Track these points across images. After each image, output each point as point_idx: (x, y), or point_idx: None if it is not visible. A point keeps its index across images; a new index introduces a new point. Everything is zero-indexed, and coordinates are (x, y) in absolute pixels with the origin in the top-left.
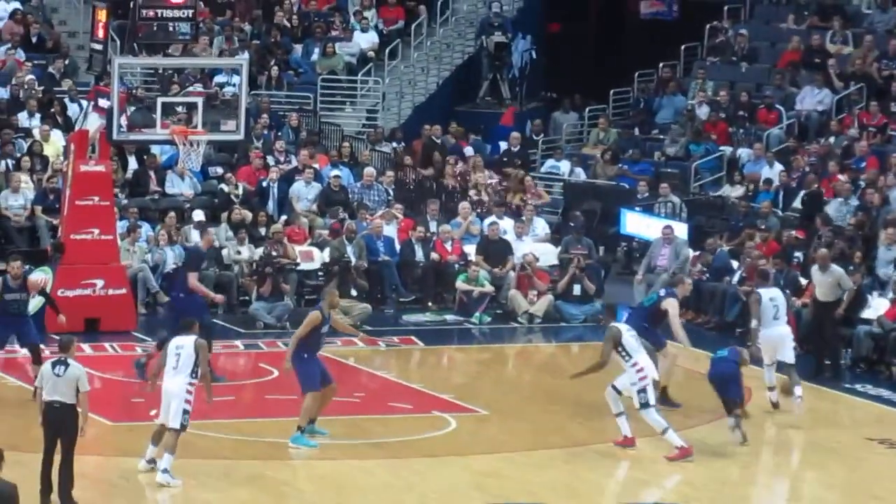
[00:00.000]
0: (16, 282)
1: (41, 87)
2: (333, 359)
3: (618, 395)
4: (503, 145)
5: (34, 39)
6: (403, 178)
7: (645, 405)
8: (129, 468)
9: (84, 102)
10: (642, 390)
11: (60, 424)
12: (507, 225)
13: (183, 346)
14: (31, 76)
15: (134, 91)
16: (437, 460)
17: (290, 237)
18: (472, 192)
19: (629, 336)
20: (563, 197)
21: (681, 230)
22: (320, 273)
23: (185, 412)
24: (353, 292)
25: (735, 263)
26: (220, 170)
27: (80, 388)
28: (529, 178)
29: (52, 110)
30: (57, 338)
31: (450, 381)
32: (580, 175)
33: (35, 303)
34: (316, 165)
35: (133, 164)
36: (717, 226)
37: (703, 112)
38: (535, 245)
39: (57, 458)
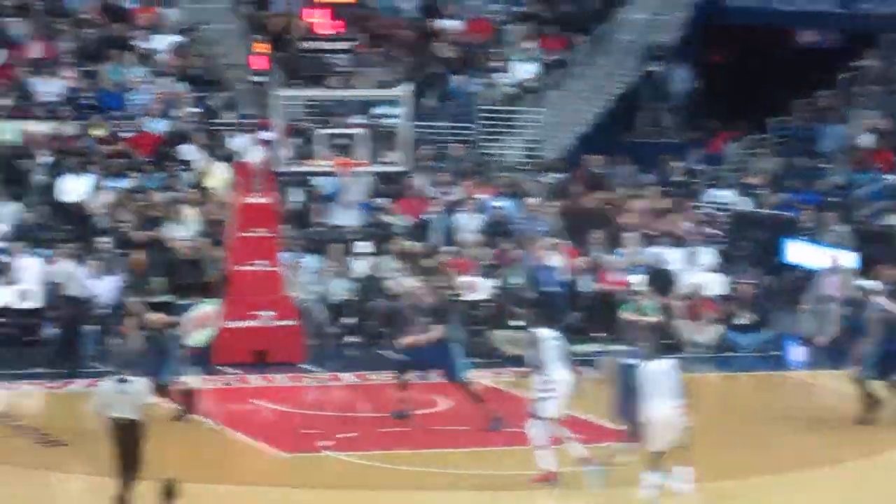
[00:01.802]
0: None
1: (204, 120)
2: (502, 389)
3: None
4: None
5: (196, 72)
6: (567, 208)
7: None
8: (298, 499)
9: (247, 135)
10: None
11: (124, 441)
12: (672, 255)
13: None
14: (193, 109)
15: (296, 123)
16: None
17: (454, 268)
18: (636, 222)
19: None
20: (729, 226)
21: (848, 259)
22: (483, 303)
23: None
24: (517, 323)
25: None
26: (383, 201)
27: (142, 403)
28: (693, 209)
29: (216, 143)
30: (225, 370)
31: None
32: (744, 204)
33: (203, 335)
34: (480, 196)
35: (297, 195)
36: (886, 255)
37: (865, 140)
38: (701, 274)
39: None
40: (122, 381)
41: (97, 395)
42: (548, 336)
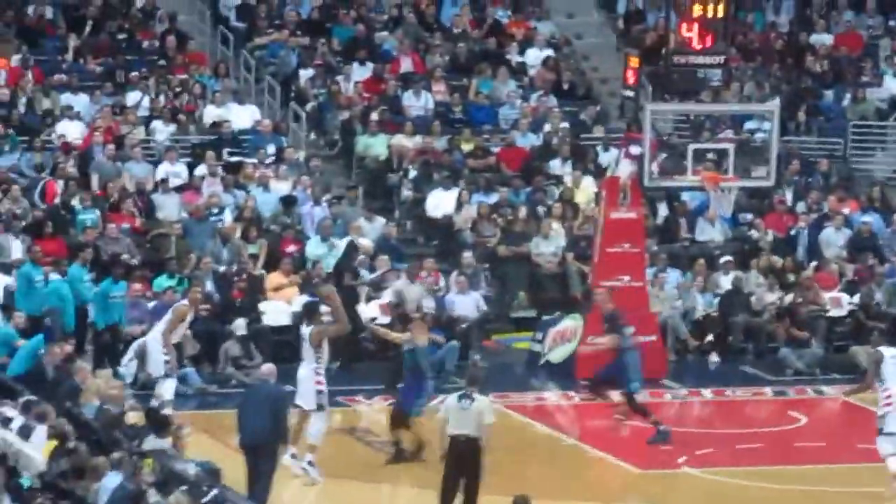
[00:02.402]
0: None
1: (573, 134)
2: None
3: None
4: None
5: (566, 86)
6: None
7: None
8: None
9: (616, 149)
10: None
11: (464, 459)
12: None
13: None
14: (563, 123)
15: (665, 137)
16: None
17: (819, 283)
18: None
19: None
20: None
21: None
22: (848, 318)
23: None
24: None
25: None
26: (749, 216)
27: (484, 422)
28: None
29: (584, 157)
30: (584, 384)
31: None
32: None
33: (564, 350)
34: (846, 211)
35: (663, 210)
36: None
37: None
38: None
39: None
40: (466, 397)
41: (442, 410)
42: (890, 354)
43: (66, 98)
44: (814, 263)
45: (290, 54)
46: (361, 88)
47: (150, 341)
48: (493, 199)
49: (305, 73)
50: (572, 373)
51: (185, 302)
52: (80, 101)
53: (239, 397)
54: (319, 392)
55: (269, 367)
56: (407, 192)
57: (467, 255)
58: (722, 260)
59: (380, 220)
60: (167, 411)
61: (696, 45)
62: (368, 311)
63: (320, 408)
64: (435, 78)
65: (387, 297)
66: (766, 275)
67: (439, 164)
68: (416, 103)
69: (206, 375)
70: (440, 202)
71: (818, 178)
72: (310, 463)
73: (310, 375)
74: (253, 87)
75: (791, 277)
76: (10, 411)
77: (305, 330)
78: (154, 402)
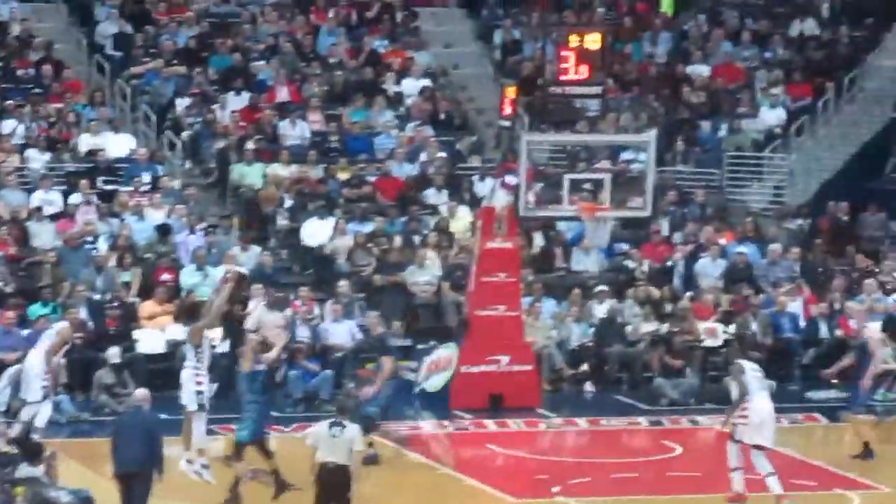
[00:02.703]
0: None
1: (449, 164)
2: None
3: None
4: None
5: (443, 116)
6: (810, 255)
7: None
8: None
9: (492, 179)
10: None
11: (334, 486)
12: None
13: None
14: (439, 153)
15: (541, 167)
16: None
17: (695, 313)
18: (877, 269)
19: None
20: None
21: None
22: (723, 348)
23: None
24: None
25: None
26: (625, 246)
27: (354, 449)
28: None
29: (460, 187)
30: (462, 415)
31: (853, 459)
32: None
33: (439, 379)
34: (722, 242)
35: (539, 240)
36: None
37: None
38: None
39: None
40: (337, 425)
41: (311, 437)
42: (749, 367)
43: None
44: (689, 294)
45: (166, 83)
46: (238, 117)
47: (28, 366)
48: (369, 228)
49: (182, 102)
50: (447, 402)
51: (66, 324)
52: None
53: (112, 425)
54: (199, 392)
55: (142, 393)
56: (283, 221)
57: (342, 284)
58: (597, 289)
59: (255, 249)
60: (36, 437)
61: (573, 76)
62: None
63: (201, 408)
64: (311, 107)
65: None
66: (642, 305)
67: (315, 194)
68: (293, 132)
69: (80, 403)
70: (316, 231)
71: (694, 209)
72: (203, 465)
73: (190, 376)
74: (129, 115)
75: (668, 307)
76: None
77: (184, 329)
78: (16, 428)
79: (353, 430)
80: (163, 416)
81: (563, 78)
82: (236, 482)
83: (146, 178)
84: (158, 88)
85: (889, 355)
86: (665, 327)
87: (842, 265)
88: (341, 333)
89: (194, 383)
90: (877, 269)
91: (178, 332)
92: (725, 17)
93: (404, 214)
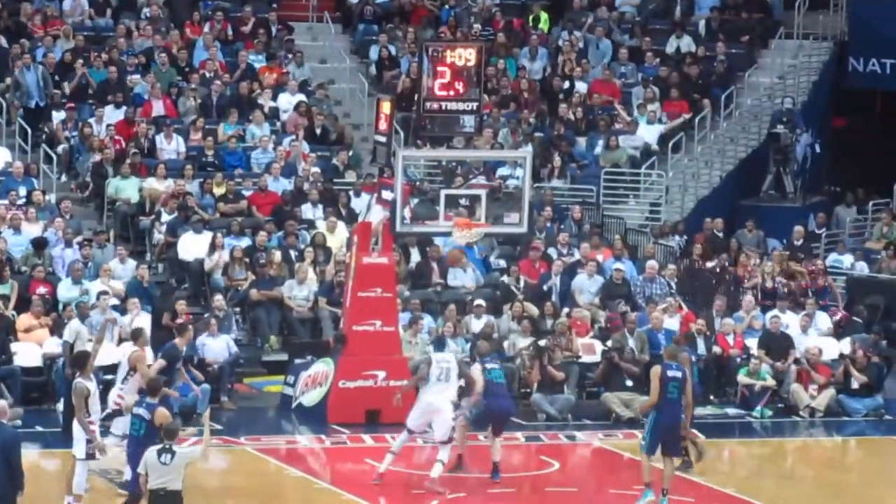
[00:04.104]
0: None
1: (325, 179)
2: (614, 451)
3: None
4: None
5: (318, 131)
6: (686, 272)
7: None
8: None
9: (367, 195)
10: None
11: None
12: (789, 319)
13: None
14: (315, 168)
15: (417, 183)
16: None
17: (572, 329)
18: (754, 285)
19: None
20: (847, 291)
21: None
22: (598, 365)
23: None
24: (629, 383)
25: None
26: (502, 262)
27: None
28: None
29: (336, 202)
30: (339, 429)
31: (732, 474)
32: (863, 269)
33: (316, 394)
34: (599, 258)
35: (416, 255)
36: None
37: None
38: (818, 339)
39: None
40: (166, 452)
41: (141, 466)
42: (436, 359)
43: None
44: (566, 310)
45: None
46: (114, 131)
47: None
48: (245, 242)
49: (58, 116)
50: (324, 417)
51: None
52: None
53: None
54: (88, 441)
55: (1, 405)
56: (159, 235)
57: (218, 298)
58: (474, 303)
59: (132, 263)
60: None
61: (449, 92)
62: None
63: (89, 457)
64: (187, 122)
65: None
66: (520, 320)
67: (191, 208)
68: (168, 147)
69: None
70: (192, 245)
71: (571, 225)
72: None
73: (82, 425)
74: (4, 129)
75: (548, 323)
76: None
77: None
78: None
79: (182, 454)
80: (38, 428)
81: (438, 93)
82: None
83: (22, 191)
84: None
85: (766, 372)
86: (543, 342)
87: (718, 282)
88: (218, 348)
89: (86, 432)
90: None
91: (54, 345)
92: (600, 33)
93: (280, 229)
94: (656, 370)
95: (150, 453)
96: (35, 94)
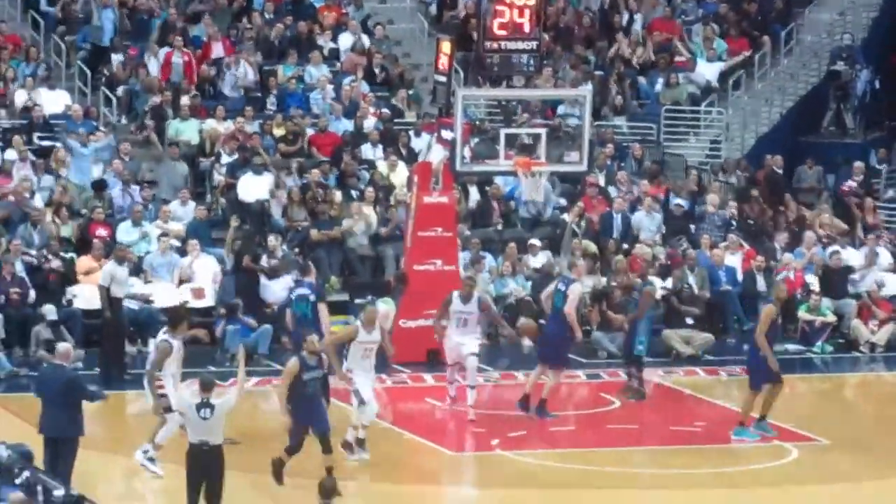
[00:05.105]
0: (313, 358)
1: (385, 119)
2: (674, 388)
3: None
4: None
5: (377, 71)
6: (747, 209)
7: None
8: (468, 498)
9: (428, 134)
10: None
11: (208, 468)
12: (850, 255)
13: None
14: (375, 108)
15: (477, 123)
16: (779, 490)
17: (632, 267)
18: (815, 222)
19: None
20: None
21: None
22: (660, 303)
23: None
24: (690, 321)
25: None
26: (563, 201)
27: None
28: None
29: (396, 142)
30: (400, 369)
31: (791, 410)
32: None
33: None
34: (659, 196)
35: (475, 195)
36: None
37: None
38: (879, 274)
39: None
40: (205, 406)
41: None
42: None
43: None
44: (626, 247)
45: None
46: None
47: None
48: (306, 183)
49: (117, 58)
50: (385, 357)
51: None
52: None
53: (33, 382)
54: (162, 395)
55: (64, 348)
56: (219, 177)
57: (272, 239)
58: (528, 242)
59: (192, 205)
60: None
61: (508, 31)
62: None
63: (167, 410)
64: (247, 63)
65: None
66: (582, 258)
67: (252, 149)
68: (228, 88)
69: (18, 359)
70: (253, 187)
71: (631, 163)
72: (150, 459)
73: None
74: (64, 71)
75: (612, 261)
76: None
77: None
78: None
79: (220, 406)
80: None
81: (498, 32)
82: None
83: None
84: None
85: (827, 308)
86: (604, 281)
87: (778, 218)
88: (278, 289)
89: (149, 387)
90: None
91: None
92: None
93: (340, 170)
94: (770, 310)
95: (190, 409)
96: (108, 33)
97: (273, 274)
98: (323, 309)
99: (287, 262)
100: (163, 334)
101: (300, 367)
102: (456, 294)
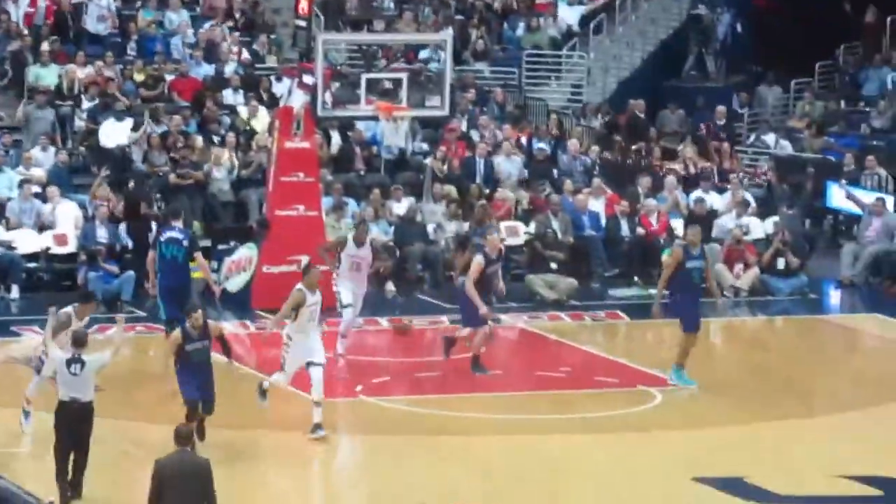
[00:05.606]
0: (196, 331)
1: (246, 64)
2: (539, 333)
3: None
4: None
5: (238, 15)
6: (609, 153)
7: None
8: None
9: (289, 79)
10: None
11: (78, 424)
12: (713, 199)
13: None
14: (236, 53)
15: (338, 67)
16: (645, 435)
17: (495, 212)
18: (678, 167)
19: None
20: (771, 170)
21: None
22: (524, 247)
23: None
24: (554, 266)
25: None
26: (425, 146)
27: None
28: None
29: (257, 87)
30: (263, 315)
31: (656, 355)
32: (787, 148)
33: (240, 280)
34: (522, 140)
35: (337, 139)
36: None
37: None
38: (745, 219)
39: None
40: (75, 362)
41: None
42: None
43: None
44: (487, 192)
45: None
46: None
47: None
48: (167, 128)
49: None
50: (248, 302)
51: None
52: None
53: None
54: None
55: None
56: (80, 122)
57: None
58: (392, 187)
59: (52, 150)
60: None
61: None
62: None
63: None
64: (107, 8)
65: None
66: (446, 204)
67: (111, 95)
68: (92, 22)
69: None
70: (114, 132)
71: (493, 108)
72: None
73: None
74: None
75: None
76: None
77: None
78: None
79: (91, 362)
80: None
81: None
82: None
83: None
84: None
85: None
86: (466, 226)
87: (641, 163)
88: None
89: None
90: (674, 166)
91: None
92: None
93: (201, 115)
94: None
95: (60, 365)
96: None
97: (165, 220)
98: (199, 256)
99: (180, 208)
100: (70, 308)
101: (183, 338)
102: (350, 237)
